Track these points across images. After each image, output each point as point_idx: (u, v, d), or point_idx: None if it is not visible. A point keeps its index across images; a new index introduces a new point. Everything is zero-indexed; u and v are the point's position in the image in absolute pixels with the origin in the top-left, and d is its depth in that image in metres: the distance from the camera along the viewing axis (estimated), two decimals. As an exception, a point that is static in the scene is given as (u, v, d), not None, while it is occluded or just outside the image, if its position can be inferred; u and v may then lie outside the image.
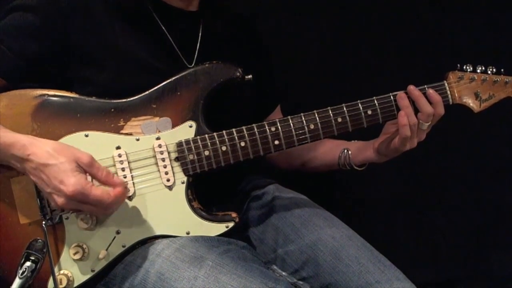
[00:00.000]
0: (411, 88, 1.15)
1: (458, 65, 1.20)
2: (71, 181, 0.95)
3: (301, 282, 1.19)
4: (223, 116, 1.16)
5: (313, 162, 1.39)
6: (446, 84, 1.19)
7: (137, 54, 1.13)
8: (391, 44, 1.70)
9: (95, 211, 1.00)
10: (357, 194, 1.74)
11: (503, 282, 1.80)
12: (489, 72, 1.21)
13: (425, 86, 1.17)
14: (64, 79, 1.10)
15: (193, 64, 1.20)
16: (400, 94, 1.16)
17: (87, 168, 0.99)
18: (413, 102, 1.15)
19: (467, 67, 1.20)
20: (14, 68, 1.09)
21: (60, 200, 0.97)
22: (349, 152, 1.28)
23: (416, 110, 1.15)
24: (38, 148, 0.97)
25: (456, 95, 1.20)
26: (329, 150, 1.34)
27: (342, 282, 1.12)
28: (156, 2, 1.18)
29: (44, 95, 1.08)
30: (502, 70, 1.21)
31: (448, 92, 1.19)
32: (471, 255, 1.81)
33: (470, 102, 1.21)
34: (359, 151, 1.27)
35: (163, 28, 1.19)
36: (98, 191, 0.97)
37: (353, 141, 1.31)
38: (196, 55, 1.21)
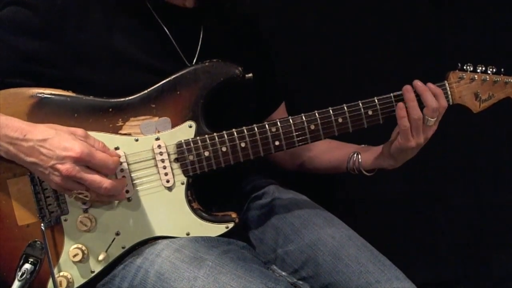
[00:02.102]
0: (417, 82, 1.15)
1: (459, 64, 1.20)
2: (76, 144, 0.96)
3: (301, 282, 1.19)
4: (224, 116, 1.15)
5: (321, 164, 1.37)
6: (447, 84, 1.18)
7: (135, 53, 1.12)
8: (392, 45, 1.70)
9: (97, 182, 0.98)
10: (357, 194, 1.74)
11: (503, 282, 1.80)
12: (489, 72, 1.20)
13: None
14: (59, 77, 1.08)
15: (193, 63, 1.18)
16: (407, 86, 1.14)
17: (84, 139, 0.99)
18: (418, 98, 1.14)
19: (468, 67, 1.20)
20: (8, 62, 1.07)
21: (64, 167, 0.95)
22: (359, 156, 1.26)
23: (421, 106, 1.14)
24: (34, 128, 0.98)
25: (457, 95, 1.19)
26: (338, 153, 1.32)
27: (342, 282, 1.12)
28: (156, 0, 1.16)
29: (40, 94, 1.06)
30: (502, 70, 1.21)
31: (449, 92, 1.18)
32: (471, 255, 1.81)
33: (470, 102, 1.21)
34: (371, 157, 1.24)
35: (164, 27, 1.17)
36: (102, 154, 0.99)
37: (362, 145, 1.30)
38: (197, 54, 1.20)
